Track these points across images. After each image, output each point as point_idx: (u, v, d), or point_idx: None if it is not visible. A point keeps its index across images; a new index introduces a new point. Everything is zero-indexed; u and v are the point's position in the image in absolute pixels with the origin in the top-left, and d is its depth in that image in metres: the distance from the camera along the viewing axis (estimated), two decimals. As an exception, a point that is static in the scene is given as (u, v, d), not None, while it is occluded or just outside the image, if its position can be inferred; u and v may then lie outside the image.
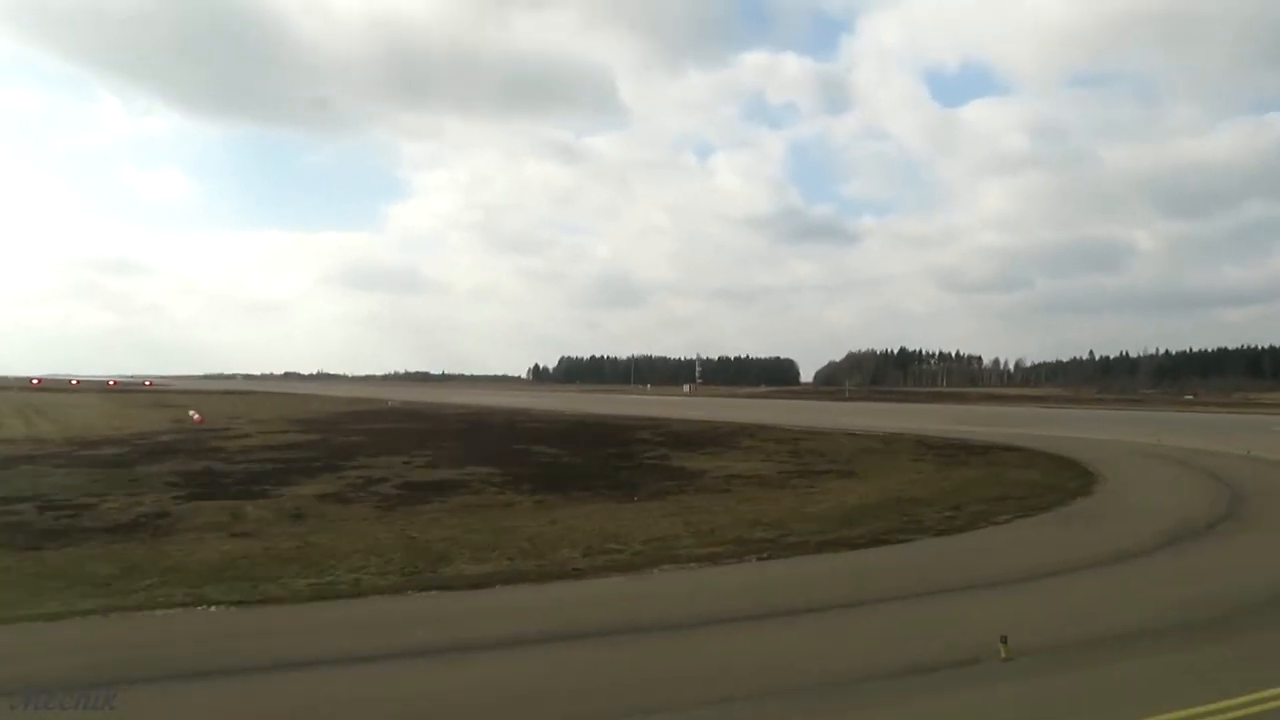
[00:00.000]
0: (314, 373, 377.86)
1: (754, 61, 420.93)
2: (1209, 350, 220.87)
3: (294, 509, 21.49)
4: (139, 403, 79.30)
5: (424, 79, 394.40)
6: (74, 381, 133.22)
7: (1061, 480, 27.28)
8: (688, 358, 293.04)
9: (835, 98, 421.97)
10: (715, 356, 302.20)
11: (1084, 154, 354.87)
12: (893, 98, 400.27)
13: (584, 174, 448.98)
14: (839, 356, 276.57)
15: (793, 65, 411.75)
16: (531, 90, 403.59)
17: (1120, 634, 10.63)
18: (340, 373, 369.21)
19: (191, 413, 60.56)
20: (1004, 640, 9.80)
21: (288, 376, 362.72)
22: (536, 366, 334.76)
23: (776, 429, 56.38)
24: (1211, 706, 8.11)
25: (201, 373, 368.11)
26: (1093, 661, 9.72)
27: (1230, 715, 7.99)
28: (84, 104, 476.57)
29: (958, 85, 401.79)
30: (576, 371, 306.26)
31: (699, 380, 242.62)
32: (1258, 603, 12.41)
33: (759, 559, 15.81)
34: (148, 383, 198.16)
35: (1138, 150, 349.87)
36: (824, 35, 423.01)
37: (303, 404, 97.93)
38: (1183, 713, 8.00)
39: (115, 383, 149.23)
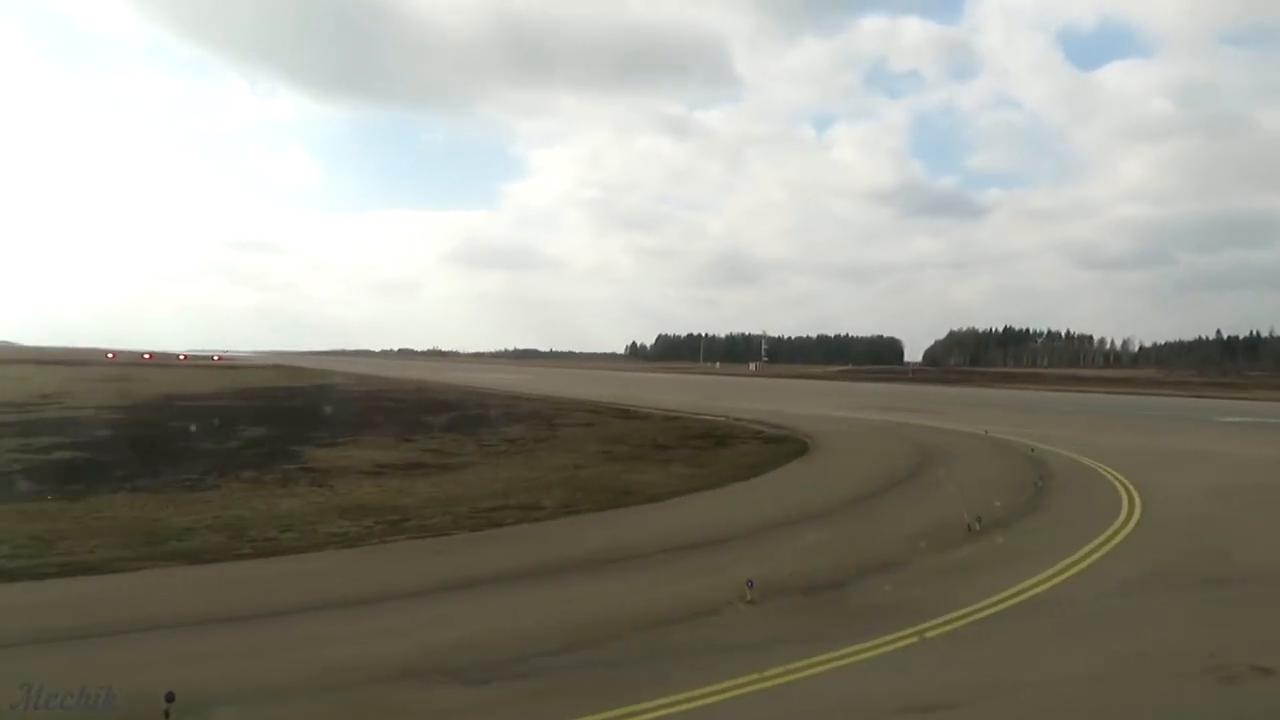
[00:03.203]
0: (428, 349, 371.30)
1: (873, 27, 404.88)
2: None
3: None
4: (84, 376, 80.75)
5: (537, 55, 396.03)
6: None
7: (689, 482, 22.31)
8: (795, 335, 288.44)
9: (960, 63, 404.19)
10: (815, 335, 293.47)
11: (1238, 118, 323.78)
12: (1023, 62, 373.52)
13: (698, 149, 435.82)
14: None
15: (915, 29, 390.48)
16: (644, 64, 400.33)
17: None
18: (453, 349, 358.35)
19: None
20: None
21: (402, 353, 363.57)
22: (634, 344, 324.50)
23: (642, 411, 51.44)
24: None
25: (328, 349, 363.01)
26: None
27: None
28: (213, 87, 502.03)
29: (1094, 46, 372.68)
30: (673, 349, 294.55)
31: (764, 359, 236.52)
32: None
33: None
34: (216, 357, 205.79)
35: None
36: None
37: (286, 376, 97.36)
38: None
39: (114, 355, 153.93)
